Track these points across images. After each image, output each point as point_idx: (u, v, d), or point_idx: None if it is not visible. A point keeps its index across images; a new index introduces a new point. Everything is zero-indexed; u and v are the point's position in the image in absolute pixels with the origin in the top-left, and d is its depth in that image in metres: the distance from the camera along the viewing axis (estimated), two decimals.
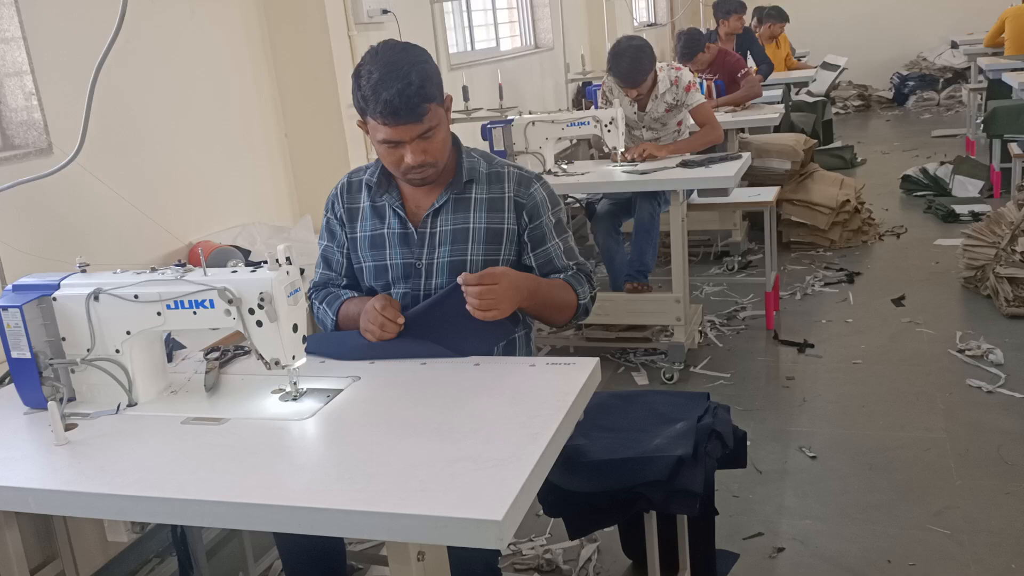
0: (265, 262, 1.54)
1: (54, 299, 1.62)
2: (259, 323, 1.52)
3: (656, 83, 3.95)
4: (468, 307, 1.70)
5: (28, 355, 1.59)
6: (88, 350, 1.61)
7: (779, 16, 7.21)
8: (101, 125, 2.63)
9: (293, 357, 1.55)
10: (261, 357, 1.55)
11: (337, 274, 2.01)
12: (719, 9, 6.36)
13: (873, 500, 2.64)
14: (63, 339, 1.63)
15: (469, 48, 5.58)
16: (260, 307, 1.51)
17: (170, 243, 2.87)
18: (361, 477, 1.28)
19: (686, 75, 3.97)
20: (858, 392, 3.39)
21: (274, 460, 1.37)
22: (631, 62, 3.77)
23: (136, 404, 1.62)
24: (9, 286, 1.66)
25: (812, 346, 3.86)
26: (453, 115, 4.05)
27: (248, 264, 1.62)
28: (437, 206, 1.90)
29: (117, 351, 1.61)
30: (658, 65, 3.92)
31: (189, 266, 1.59)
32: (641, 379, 3.70)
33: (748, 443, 3.01)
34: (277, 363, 1.55)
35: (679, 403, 2.10)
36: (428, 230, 1.91)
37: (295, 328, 1.54)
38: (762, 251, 5.09)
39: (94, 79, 1.77)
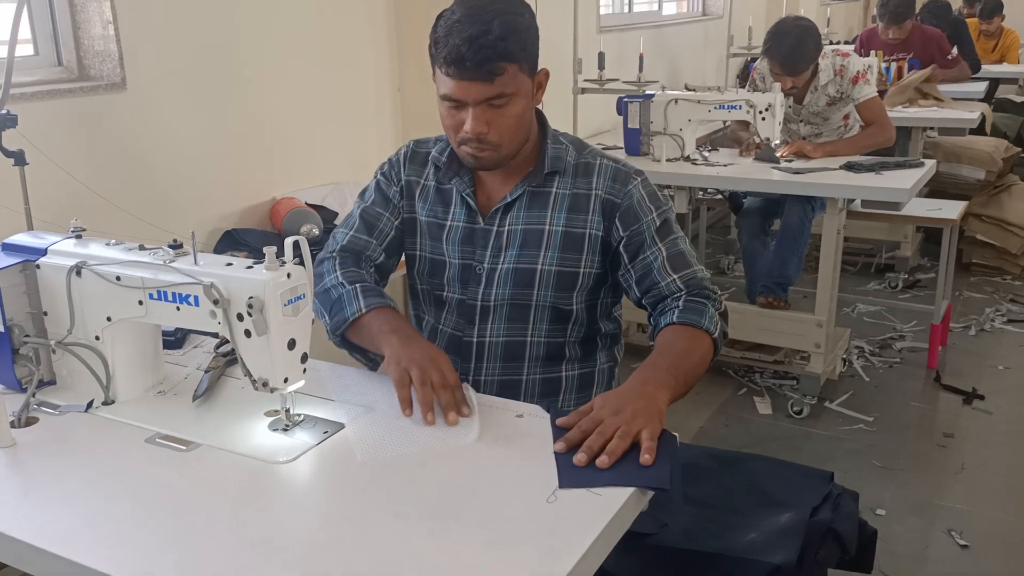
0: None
1: (38, 266, 1.37)
2: (247, 333, 1.21)
3: (816, 73, 3.35)
4: (601, 459, 1.16)
5: (1, 328, 1.36)
6: (68, 331, 1.36)
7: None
8: (194, 63, 2.41)
9: (286, 380, 1.23)
10: (248, 374, 1.24)
11: (377, 243, 1.59)
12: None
13: None
14: (45, 314, 1.39)
15: (626, 10, 5.09)
16: (250, 314, 1.19)
17: (252, 196, 2.64)
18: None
19: (855, 63, 3.33)
20: None
21: (227, 519, 1.06)
22: (795, 44, 3.18)
23: (113, 403, 1.36)
24: None
25: (982, 397, 3.22)
26: (585, 84, 3.67)
27: (249, 255, 1.31)
28: (510, 200, 1.53)
29: (97, 338, 1.35)
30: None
31: (185, 248, 1.30)
32: (764, 407, 3.21)
33: (881, 513, 2.52)
34: (265, 385, 1.23)
35: (792, 480, 1.65)
36: (495, 227, 1.53)
37: (291, 344, 1.22)
38: (934, 270, 4.40)
39: None
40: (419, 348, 1.36)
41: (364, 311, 1.44)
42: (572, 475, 1.14)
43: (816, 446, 2.93)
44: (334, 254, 1.58)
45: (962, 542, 2.38)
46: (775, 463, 1.75)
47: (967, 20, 6.17)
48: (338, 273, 1.52)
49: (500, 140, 1.43)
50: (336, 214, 2.72)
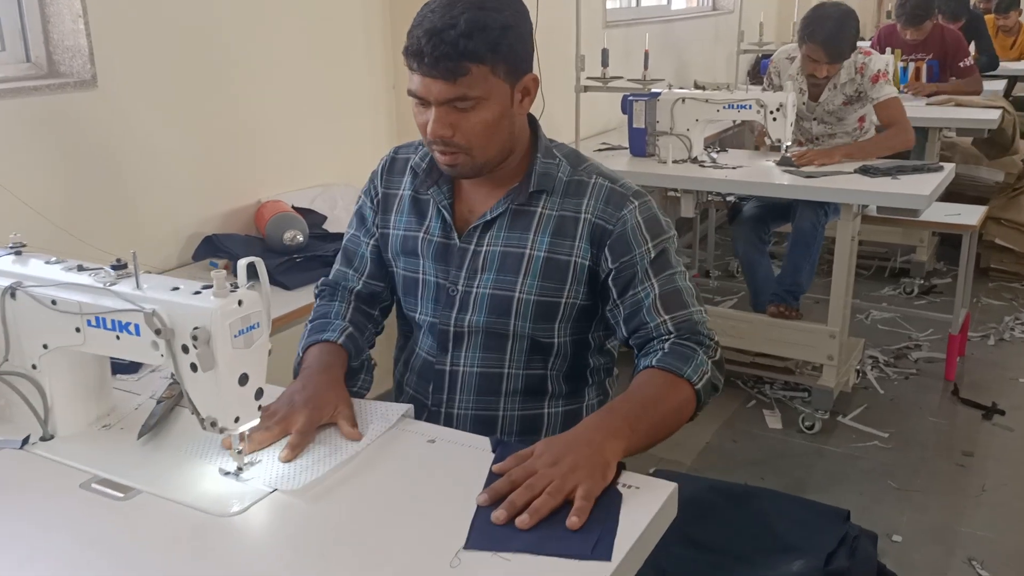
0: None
1: None
2: (193, 367, 1.08)
3: (838, 70, 3.20)
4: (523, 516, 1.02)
5: None
6: (4, 359, 1.23)
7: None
8: (171, 58, 2.28)
9: (237, 419, 1.10)
10: (196, 412, 1.11)
11: (356, 274, 1.51)
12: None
13: None
14: None
15: (634, 4, 4.93)
16: (195, 346, 1.06)
17: (235, 199, 2.50)
18: None
19: (876, 62, 3.17)
20: None
21: None
22: (838, 26, 3.01)
23: (52, 438, 1.23)
24: None
25: (1002, 412, 3.07)
26: (586, 82, 3.52)
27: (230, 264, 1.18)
28: (490, 217, 1.38)
29: (34, 366, 1.22)
30: None
31: (129, 269, 1.16)
32: (774, 421, 3.07)
33: (897, 539, 2.38)
34: (214, 424, 1.10)
35: (805, 520, 1.51)
36: (472, 247, 1.39)
37: (243, 379, 1.09)
38: (951, 275, 4.25)
39: None
40: (295, 390, 1.27)
41: (300, 354, 1.42)
42: (484, 533, 1.00)
43: (829, 464, 2.78)
44: (317, 292, 1.55)
45: (983, 573, 2.24)
46: (786, 499, 1.61)
47: (984, 16, 5.99)
48: (314, 311, 1.51)
49: (469, 144, 1.29)
50: (325, 218, 2.58)
